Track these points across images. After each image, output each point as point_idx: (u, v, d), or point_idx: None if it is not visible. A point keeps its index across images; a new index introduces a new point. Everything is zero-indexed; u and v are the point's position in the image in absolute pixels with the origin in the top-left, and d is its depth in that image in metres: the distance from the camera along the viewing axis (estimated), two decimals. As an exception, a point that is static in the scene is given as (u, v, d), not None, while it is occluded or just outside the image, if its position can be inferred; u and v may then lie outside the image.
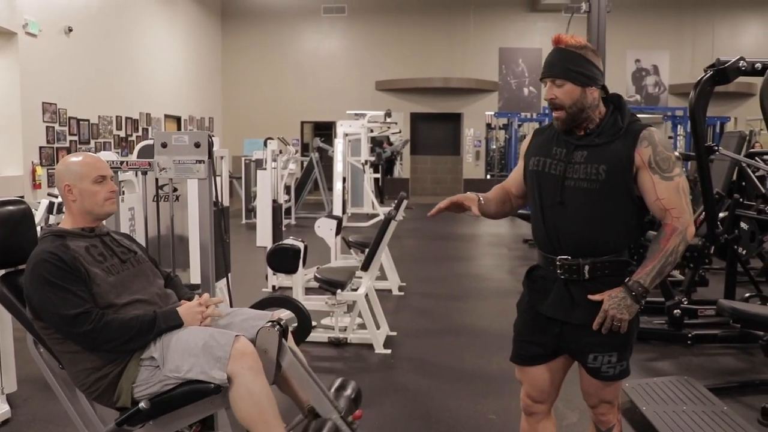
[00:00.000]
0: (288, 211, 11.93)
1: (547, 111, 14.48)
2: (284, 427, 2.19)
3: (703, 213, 4.26)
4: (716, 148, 3.66)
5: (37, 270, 2.16)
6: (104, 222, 2.57)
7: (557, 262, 2.06)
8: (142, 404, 2.15)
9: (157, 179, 3.94)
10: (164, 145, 2.91)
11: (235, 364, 2.11)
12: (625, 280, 1.99)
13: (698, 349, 4.52)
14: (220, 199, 5.01)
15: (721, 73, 3.56)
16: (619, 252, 2.05)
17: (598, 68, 2.03)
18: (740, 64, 3.53)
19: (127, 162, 3.04)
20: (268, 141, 6.73)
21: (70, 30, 10.15)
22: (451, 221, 12.20)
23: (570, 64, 2.01)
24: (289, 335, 2.40)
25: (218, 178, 5.00)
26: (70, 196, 2.34)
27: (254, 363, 2.14)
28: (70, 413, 2.38)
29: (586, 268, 2.02)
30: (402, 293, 6.32)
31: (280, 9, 17.35)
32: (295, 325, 2.98)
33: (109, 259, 2.32)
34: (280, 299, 3.00)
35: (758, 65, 3.47)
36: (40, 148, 9.46)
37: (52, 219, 5.41)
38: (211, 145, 2.89)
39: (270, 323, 2.29)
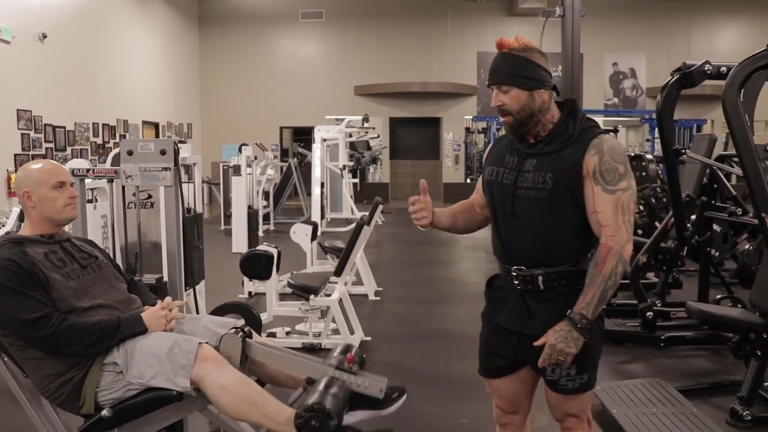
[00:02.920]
0: (267, 217, 11.89)
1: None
2: (275, 399, 2.14)
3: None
4: (683, 150, 3.70)
5: None
6: (67, 228, 2.55)
7: (513, 273, 2.03)
8: (104, 412, 2.14)
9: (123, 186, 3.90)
10: (130, 153, 2.89)
11: (198, 368, 2.10)
12: (567, 313, 1.90)
13: (671, 351, 4.55)
14: (193, 206, 5.02)
15: (687, 77, 3.59)
16: (574, 262, 1.99)
17: (546, 70, 1.98)
18: (706, 68, 3.57)
19: (93, 170, 3.01)
20: (243, 147, 6.70)
21: (45, 36, 10.05)
22: (430, 225, 12.21)
23: (514, 69, 1.95)
24: (254, 333, 2.38)
25: (191, 185, 4.99)
26: (29, 203, 2.33)
27: (216, 361, 2.13)
28: (35, 422, 2.36)
29: (540, 278, 1.98)
30: (378, 298, 6.31)
31: (257, 14, 17.30)
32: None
33: (69, 265, 2.30)
34: (231, 305, 2.99)
35: (723, 69, 3.49)
36: (15, 155, 9.35)
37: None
38: (176, 152, 2.87)
39: (234, 329, 2.27)
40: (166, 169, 2.86)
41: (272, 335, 4.77)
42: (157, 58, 14.92)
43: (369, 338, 4.91)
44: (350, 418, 2.15)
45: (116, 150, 4.82)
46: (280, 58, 17.51)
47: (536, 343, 1.93)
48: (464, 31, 16.73)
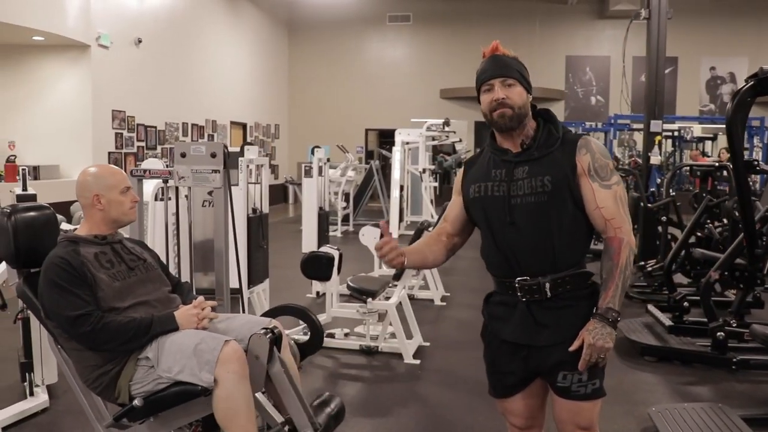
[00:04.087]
0: (346, 218, 12.05)
1: (612, 120, 14.14)
2: None
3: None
4: (756, 162, 3.47)
5: (48, 273, 2.31)
6: (121, 231, 2.68)
7: (516, 285, 1.99)
8: (136, 402, 2.26)
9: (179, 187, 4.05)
10: (183, 155, 3.01)
11: (221, 368, 2.17)
12: (594, 310, 1.93)
13: (743, 376, 4.28)
14: (259, 206, 5.15)
15: (764, 83, 3.36)
16: (577, 265, 2.00)
17: None
18: (784, 74, 3.34)
19: (149, 171, 3.15)
20: (315, 149, 6.82)
21: (140, 41, 10.60)
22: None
23: (519, 68, 2.00)
24: (284, 346, 2.42)
25: (257, 186, 5.12)
26: (98, 205, 2.46)
27: (240, 368, 2.20)
28: (83, 405, 2.49)
29: (547, 286, 1.96)
30: (444, 303, 6.28)
31: (346, 18, 17.57)
32: (306, 338, 3.01)
33: (117, 266, 2.42)
34: (293, 308, 3.04)
35: (803, 76, 3.27)
36: (109, 153, 9.91)
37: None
38: (226, 155, 2.96)
39: (264, 330, 2.32)
40: (215, 171, 2.95)
41: (331, 336, 4.83)
42: (247, 61, 15.43)
43: (428, 344, 4.89)
44: None
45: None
46: (367, 62, 17.73)
47: (572, 348, 1.92)
48: (553, 35, 16.37)
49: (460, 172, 2.20)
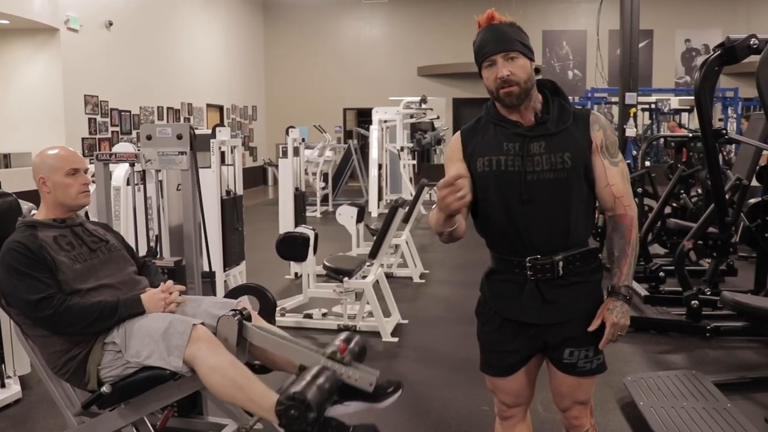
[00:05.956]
0: (325, 199, 12.01)
1: (589, 94, 14.15)
2: (263, 384, 2.15)
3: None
4: (724, 131, 3.49)
5: (5, 258, 2.26)
6: (92, 210, 2.64)
7: (527, 263, 1.92)
8: (104, 388, 2.22)
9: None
10: (149, 138, 2.96)
11: (191, 348, 2.14)
12: (609, 288, 1.96)
13: (717, 342, 4.34)
14: (233, 189, 5.11)
15: (730, 52, 3.37)
16: (585, 242, 1.98)
17: None
18: (751, 42, 3.33)
19: (116, 154, 3.10)
20: (290, 129, 6.76)
21: (111, 24, 10.42)
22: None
23: (520, 38, 1.87)
24: (255, 316, 2.40)
25: (231, 168, 5.08)
26: (44, 188, 2.41)
27: (209, 342, 2.16)
28: (52, 393, 2.46)
29: (561, 264, 1.91)
30: (423, 281, 6.29)
31: (321, -3, 17.39)
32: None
33: (78, 248, 2.38)
34: (247, 287, 3.02)
35: (770, 43, 3.27)
36: (83, 139, 9.77)
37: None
38: (192, 136, 2.91)
39: (232, 311, 2.30)
40: (182, 153, 2.91)
41: (308, 316, 4.83)
42: (221, 42, 15.23)
43: (406, 321, 4.90)
44: (345, 408, 2.14)
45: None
46: (344, 41, 17.57)
47: (591, 328, 1.94)
48: (528, 11, 16.25)
49: (454, 141, 2.03)
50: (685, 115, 15.07)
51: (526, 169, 1.89)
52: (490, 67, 1.88)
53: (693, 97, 12.51)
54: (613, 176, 1.92)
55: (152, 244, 3.37)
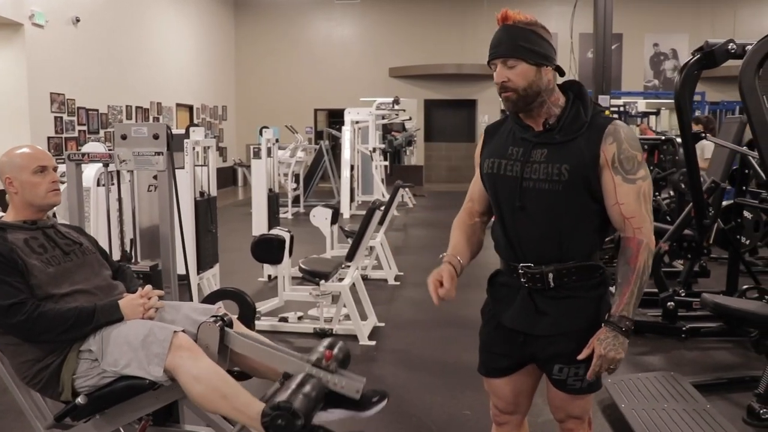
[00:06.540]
0: (297, 200, 11.90)
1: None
2: (247, 393, 2.09)
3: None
4: (703, 135, 3.51)
5: None
6: (61, 212, 2.54)
7: (520, 271, 1.90)
8: (78, 399, 2.12)
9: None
10: (124, 137, 2.87)
11: (172, 356, 2.07)
12: (606, 317, 1.82)
13: (692, 343, 4.39)
14: (207, 190, 5.01)
15: (709, 57, 3.39)
16: (586, 256, 1.88)
17: (552, 46, 1.83)
18: (729, 47, 3.36)
19: (88, 154, 3.00)
20: (264, 129, 6.67)
21: (78, 20, 10.16)
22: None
23: (521, 41, 1.79)
24: (236, 323, 2.33)
25: (204, 169, 4.98)
26: (11, 189, 2.31)
27: (192, 350, 2.09)
28: (21, 405, 2.35)
29: (551, 275, 1.86)
30: (398, 283, 6.25)
31: (293, -4, 17.26)
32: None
33: (50, 251, 2.28)
34: (225, 291, 2.95)
35: (749, 48, 3.30)
36: (48, 138, 9.52)
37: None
38: (169, 136, 2.83)
39: (213, 318, 2.23)
40: (158, 153, 2.82)
41: (284, 320, 4.75)
42: (191, 40, 15.01)
43: (382, 324, 4.85)
44: (329, 416, 2.08)
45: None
46: (315, 41, 17.46)
47: (581, 356, 1.82)
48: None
49: (480, 140, 2.04)
50: (652, 118, 15.29)
51: (524, 176, 1.85)
52: (495, 70, 1.85)
53: (658, 101, 12.72)
54: (624, 194, 1.80)
55: (126, 248, 3.26)
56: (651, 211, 1.84)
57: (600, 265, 1.92)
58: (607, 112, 8.51)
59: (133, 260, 3.17)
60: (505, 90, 1.83)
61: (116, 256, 3.25)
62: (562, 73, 1.90)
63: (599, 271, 1.91)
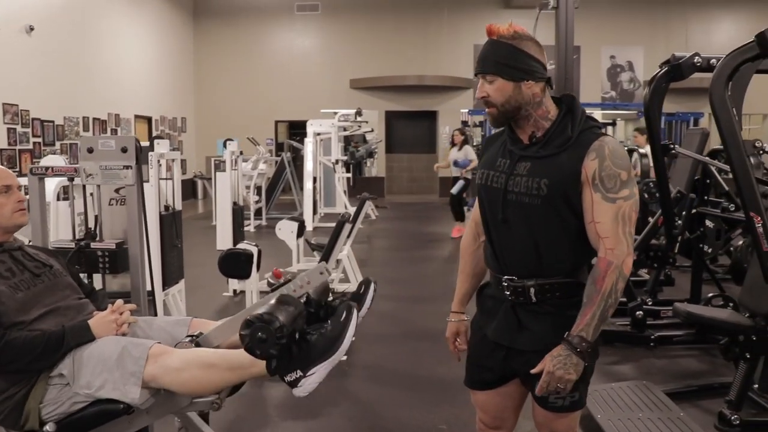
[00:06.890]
0: (259, 212, 11.76)
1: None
2: (230, 350, 2.06)
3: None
4: (672, 146, 3.57)
5: None
6: (26, 231, 2.43)
7: (504, 283, 1.88)
8: (46, 427, 2.01)
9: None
10: (90, 150, 2.75)
11: (150, 367, 1.98)
12: (565, 335, 1.76)
13: (661, 351, 4.44)
14: (172, 203, 4.89)
15: (676, 69, 3.46)
16: (569, 273, 1.85)
17: (537, 60, 1.80)
18: (695, 60, 3.44)
19: (52, 168, 2.89)
20: (228, 142, 6.57)
21: (32, 29, 9.91)
22: (426, 221, 12.10)
23: (501, 58, 1.79)
24: (206, 323, 2.32)
25: (169, 182, 4.86)
26: None
27: (166, 351, 2.02)
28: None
29: (532, 290, 1.84)
30: (366, 296, 6.18)
31: (253, 7, 17.13)
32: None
33: (19, 275, 2.17)
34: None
35: (713, 61, 3.37)
36: (1, 150, 9.23)
37: None
38: (138, 150, 2.74)
39: (188, 337, 2.15)
40: (127, 167, 2.73)
41: (253, 335, 4.65)
42: (150, 50, 14.77)
43: (353, 338, 4.77)
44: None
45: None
46: (276, 52, 17.35)
47: (533, 371, 1.79)
48: (460, 25, 16.54)
49: (483, 147, 2.06)
50: (609, 129, 15.61)
51: (507, 188, 1.85)
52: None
53: (615, 111, 13.01)
54: (601, 213, 1.75)
55: (91, 226, 3.19)
56: (631, 233, 1.77)
57: (582, 283, 1.85)
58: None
59: (97, 239, 3.09)
60: (486, 105, 1.86)
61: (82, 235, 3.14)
62: (551, 86, 1.88)
63: (584, 288, 1.86)
